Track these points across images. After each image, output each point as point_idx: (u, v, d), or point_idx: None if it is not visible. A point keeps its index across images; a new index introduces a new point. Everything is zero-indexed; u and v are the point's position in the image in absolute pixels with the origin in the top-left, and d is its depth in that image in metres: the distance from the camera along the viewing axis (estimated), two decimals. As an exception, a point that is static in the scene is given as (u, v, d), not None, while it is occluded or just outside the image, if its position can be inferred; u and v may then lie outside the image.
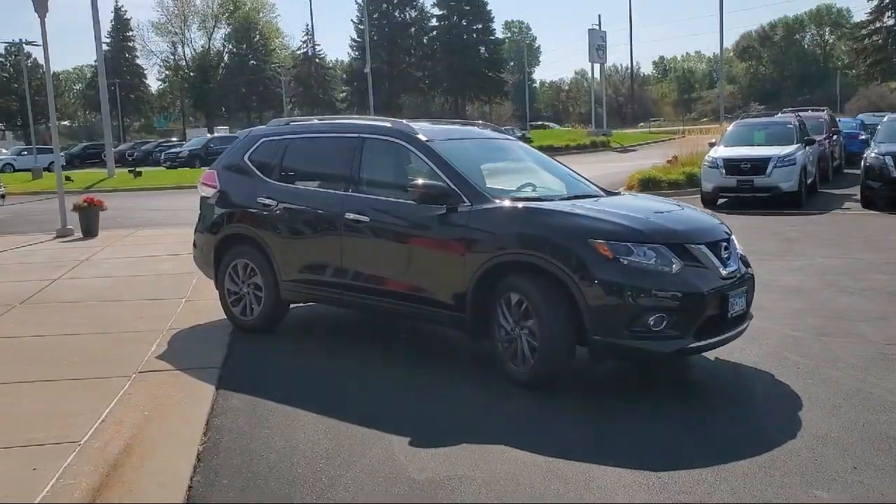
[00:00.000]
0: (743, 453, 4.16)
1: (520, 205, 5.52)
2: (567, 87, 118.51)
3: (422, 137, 6.11)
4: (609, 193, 6.41)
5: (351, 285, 6.25)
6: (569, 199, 5.95)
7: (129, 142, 67.56)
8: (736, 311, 5.27)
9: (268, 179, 6.88)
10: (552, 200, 5.82)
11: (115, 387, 5.43)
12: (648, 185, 20.40)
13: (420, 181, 5.75)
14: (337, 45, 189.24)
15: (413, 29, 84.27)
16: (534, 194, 6.07)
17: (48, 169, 38.89)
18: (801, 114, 22.10)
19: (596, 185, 6.59)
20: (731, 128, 19.97)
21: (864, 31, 72.19)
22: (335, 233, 6.30)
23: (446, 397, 5.29)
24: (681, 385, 5.55)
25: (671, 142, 28.69)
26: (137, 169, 37.19)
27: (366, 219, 6.08)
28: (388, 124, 6.42)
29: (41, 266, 11.03)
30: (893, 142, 16.31)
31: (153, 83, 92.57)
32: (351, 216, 6.16)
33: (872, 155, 16.06)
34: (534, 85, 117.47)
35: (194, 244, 7.65)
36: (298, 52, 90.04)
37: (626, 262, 4.95)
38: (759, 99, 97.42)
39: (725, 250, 5.37)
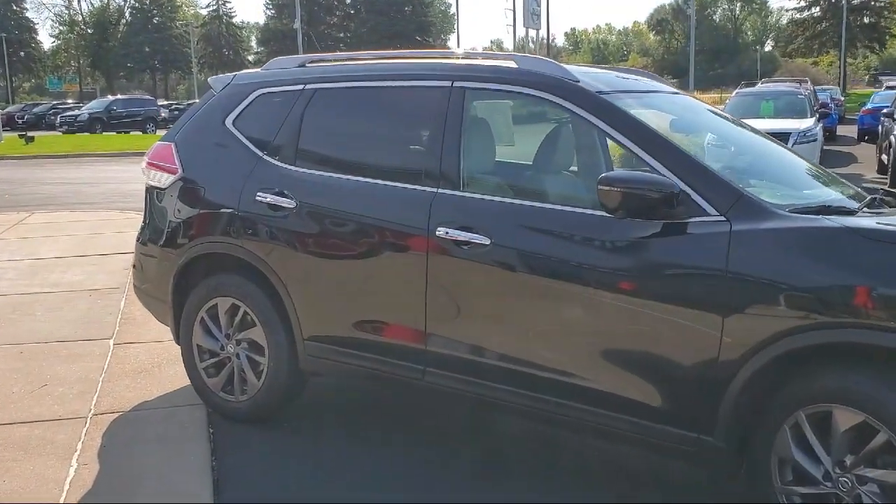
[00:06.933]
0: None
1: (853, 225, 2.79)
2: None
3: (589, 88, 3.31)
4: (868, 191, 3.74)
5: (447, 359, 3.43)
6: (873, 205, 3.25)
7: (19, 104, 61.24)
8: None
9: (274, 161, 3.93)
10: (854, 212, 3.11)
11: None
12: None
13: (622, 174, 2.97)
14: (246, 5, 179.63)
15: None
16: (800, 199, 3.33)
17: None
18: (779, 85, 20.29)
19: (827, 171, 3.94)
20: (732, 98, 17.74)
21: (803, 3, 71.91)
22: (415, 261, 3.44)
23: None
24: None
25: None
26: (29, 133, 32.61)
27: (483, 240, 3.25)
28: (512, 63, 3.56)
29: None
30: None
31: (46, 40, 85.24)
32: (446, 233, 3.33)
33: None
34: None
35: (134, 265, 4.64)
36: (207, 11, 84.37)
37: None
38: (672, 73, 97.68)
39: None
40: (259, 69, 4.40)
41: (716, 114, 4.17)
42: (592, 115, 3.21)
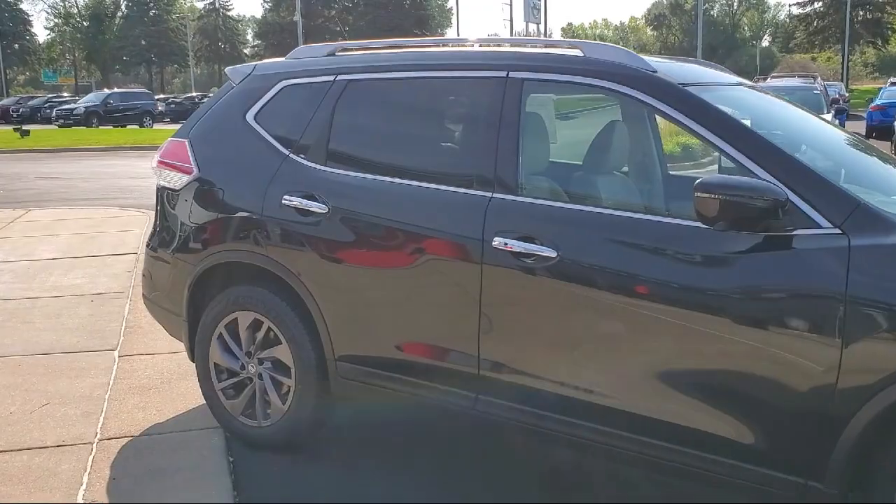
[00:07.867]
0: None
1: None
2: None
3: (670, 79, 2.91)
4: None
5: (503, 386, 3.03)
6: None
7: (14, 96, 60.58)
8: None
9: (301, 160, 3.53)
10: None
11: None
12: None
13: (722, 180, 2.56)
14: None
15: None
16: None
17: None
18: (789, 80, 19.98)
19: None
20: (746, 93, 17.38)
21: (805, -1, 71.46)
22: (467, 275, 3.04)
23: None
24: None
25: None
26: (24, 127, 32.15)
27: (548, 252, 2.85)
28: (578, 51, 3.16)
29: None
30: None
31: (40, 32, 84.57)
32: (504, 244, 2.93)
33: None
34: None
35: (144, 274, 4.23)
36: (204, 4, 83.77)
37: None
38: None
39: None
40: (283, 58, 3.98)
41: (795, 107, 3.77)
42: (677, 110, 2.82)
